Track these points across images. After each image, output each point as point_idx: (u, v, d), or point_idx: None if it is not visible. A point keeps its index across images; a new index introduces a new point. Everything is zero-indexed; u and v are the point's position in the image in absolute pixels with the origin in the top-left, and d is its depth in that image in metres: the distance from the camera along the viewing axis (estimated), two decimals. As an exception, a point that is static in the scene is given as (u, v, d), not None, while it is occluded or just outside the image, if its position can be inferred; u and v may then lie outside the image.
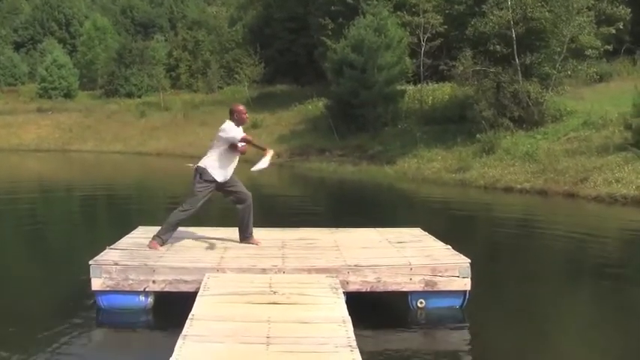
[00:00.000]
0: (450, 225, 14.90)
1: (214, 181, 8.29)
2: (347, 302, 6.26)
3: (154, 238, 8.17)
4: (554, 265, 10.64)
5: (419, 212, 17.58)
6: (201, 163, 8.33)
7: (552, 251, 11.72)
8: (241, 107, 8.46)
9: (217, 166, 8.29)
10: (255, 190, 24.08)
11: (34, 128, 55.09)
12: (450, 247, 8.18)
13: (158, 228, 8.84)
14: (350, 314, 5.84)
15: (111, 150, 47.52)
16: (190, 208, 8.27)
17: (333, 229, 9.59)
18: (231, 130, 8.22)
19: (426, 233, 9.27)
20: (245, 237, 8.56)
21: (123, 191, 23.34)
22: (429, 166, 25.96)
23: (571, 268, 10.51)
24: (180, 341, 5.10)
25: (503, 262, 10.91)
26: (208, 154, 8.35)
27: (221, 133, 8.25)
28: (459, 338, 7.05)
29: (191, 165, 33.13)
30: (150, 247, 8.00)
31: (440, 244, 8.50)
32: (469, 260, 7.39)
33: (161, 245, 8.11)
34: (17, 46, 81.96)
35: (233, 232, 8.94)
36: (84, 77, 69.37)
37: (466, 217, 16.77)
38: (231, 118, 8.35)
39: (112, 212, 18.13)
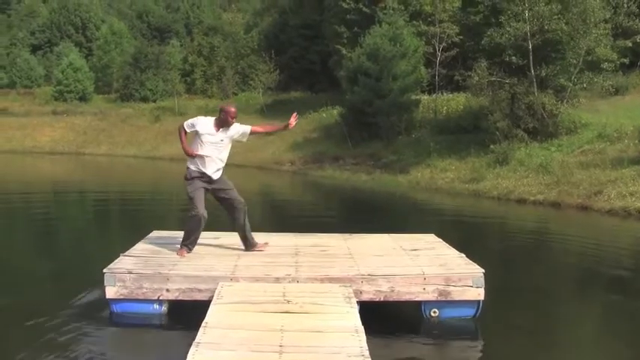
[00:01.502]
0: (463, 235, 14.84)
1: (200, 175, 8.25)
2: (360, 311, 6.26)
3: (181, 246, 8.22)
4: (568, 277, 10.60)
5: (432, 222, 17.51)
6: (187, 164, 8.40)
7: (566, 263, 11.70)
8: (230, 108, 8.31)
9: (193, 162, 8.27)
10: (268, 196, 24.13)
11: (49, 131, 55.32)
12: (463, 255, 8.16)
13: (172, 232, 8.91)
14: (363, 323, 5.84)
15: (124, 154, 47.68)
16: (193, 211, 8.18)
17: (347, 236, 9.56)
18: (190, 120, 8.33)
19: (440, 240, 9.27)
20: (251, 244, 8.52)
21: (136, 195, 23.41)
22: (443, 176, 25.90)
23: (585, 280, 10.47)
24: (193, 349, 5.11)
25: (516, 273, 10.87)
26: None
27: None
28: (472, 349, 7.05)
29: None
30: (178, 254, 8.07)
31: (454, 251, 8.49)
32: (483, 270, 7.37)
33: (188, 252, 8.17)
34: (34, 49, 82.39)
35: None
36: (99, 81, 69.70)
37: (479, 227, 16.74)
38: (217, 117, 8.30)
39: (126, 216, 18.20)
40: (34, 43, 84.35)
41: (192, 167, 8.27)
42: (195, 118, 8.36)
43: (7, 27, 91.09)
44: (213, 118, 8.31)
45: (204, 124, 8.23)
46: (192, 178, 8.25)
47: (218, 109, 8.48)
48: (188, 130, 8.26)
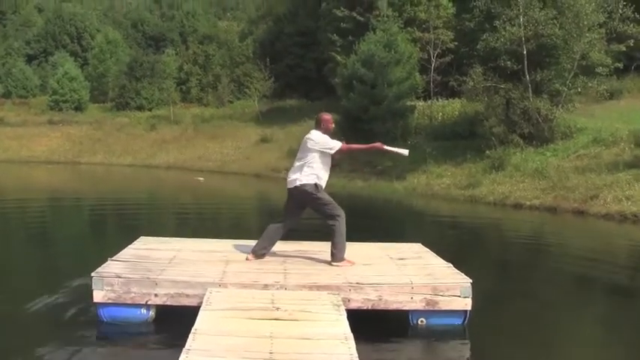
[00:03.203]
0: (459, 240, 14.87)
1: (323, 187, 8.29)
2: (348, 318, 6.21)
3: (340, 259, 8.16)
4: (564, 282, 10.55)
5: (427, 228, 17.52)
6: (308, 180, 8.16)
7: (561, 268, 11.64)
8: (327, 116, 8.39)
9: (322, 177, 8.23)
10: (264, 203, 24.04)
11: (45, 140, 55.26)
12: (451, 264, 8.10)
13: (159, 238, 8.86)
14: (351, 330, 5.80)
15: (120, 163, 47.64)
16: (341, 215, 8.22)
17: None
18: (325, 139, 8.17)
19: (427, 249, 9.21)
20: (332, 254, 8.31)
21: (131, 204, 23.30)
22: (439, 182, 25.91)
23: (581, 285, 10.42)
24: (183, 355, 5.07)
25: (512, 278, 10.81)
26: (304, 169, 8.18)
27: (310, 144, 8.16)
28: (461, 354, 6.98)
29: (201, 179, 32.82)
30: (345, 264, 8.08)
31: (440, 261, 8.44)
32: (470, 280, 7.33)
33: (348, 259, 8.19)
34: (29, 59, 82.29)
35: (236, 246, 8.91)
36: (95, 90, 69.55)
37: (475, 233, 16.72)
38: (318, 128, 8.30)
39: (119, 223, 18.12)
40: (30, 52, 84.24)
41: (320, 182, 8.22)
42: (324, 138, 8.21)
43: (2, 37, 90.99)
44: (320, 132, 8.27)
45: (332, 140, 8.28)
46: (322, 189, 8.24)
47: (317, 120, 8.41)
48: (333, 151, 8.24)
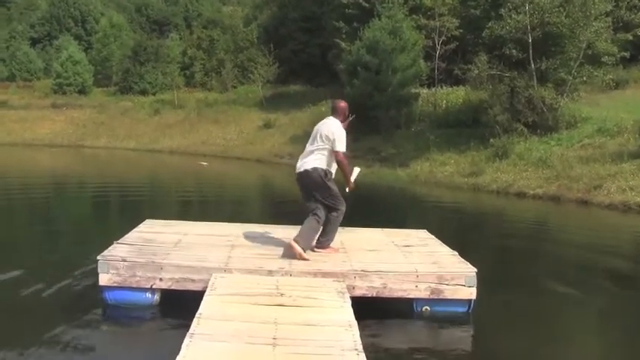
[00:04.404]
0: (461, 228, 14.86)
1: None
2: (352, 305, 6.22)
3: (323, 244, 8.09)
4: (566, 271, 10.51)
5: (430, 216, 17.51)
6: (319, 165, 7.94)
7: (564, 257, 11.63)
8: (344, 104, 8.19)
9: (332, 164, 8.04)
10: (267, 189, 24.04)
11: (49, 123, 55.30)
12: (456, 252, 8.08)
13: (165, 221, 8.87)
14: (355, 317, 5.81)
15: (124, 147, 47.66)
16: (343, 208, 8.09)
17: (340, 229, 9.45)
18: (342, 136, 7.95)
19: (432, 236, 9.19)
20: (319, 241, 8.19)
21: (135, 187, 23.34)
22: (442, 170, 25.87)
23: (583, 274, 10.37)
24: (187, 340, 5.09)
25: (514, 266, 10.80)
26: (316, 154, 7.98)
27: (328, 134, 7.92)
28: (465, 343, 7.00)
29: (204, 163, 32.85)
30: (332, 252, 8.03)
31: (446, 249, 8.42)
32: (475, 269, 7.31)
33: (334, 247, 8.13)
34: (33, 42, 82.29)
35: (241, 230, 8.90)
36: (99, 74, 69.52)
37: (478, 221, 16.71)
38: (336, 116, 8.13)
39: (123, 206, 18.13)
40: (34, 36, 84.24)
41: (330, 169, 8.02)
42: (341, 134, 7.97)
43: (6, 20, 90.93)
44: (339, 123, 8.05)
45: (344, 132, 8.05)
46: (332, 179, 8.04)
47: (334, 108, 8.24)
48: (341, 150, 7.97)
